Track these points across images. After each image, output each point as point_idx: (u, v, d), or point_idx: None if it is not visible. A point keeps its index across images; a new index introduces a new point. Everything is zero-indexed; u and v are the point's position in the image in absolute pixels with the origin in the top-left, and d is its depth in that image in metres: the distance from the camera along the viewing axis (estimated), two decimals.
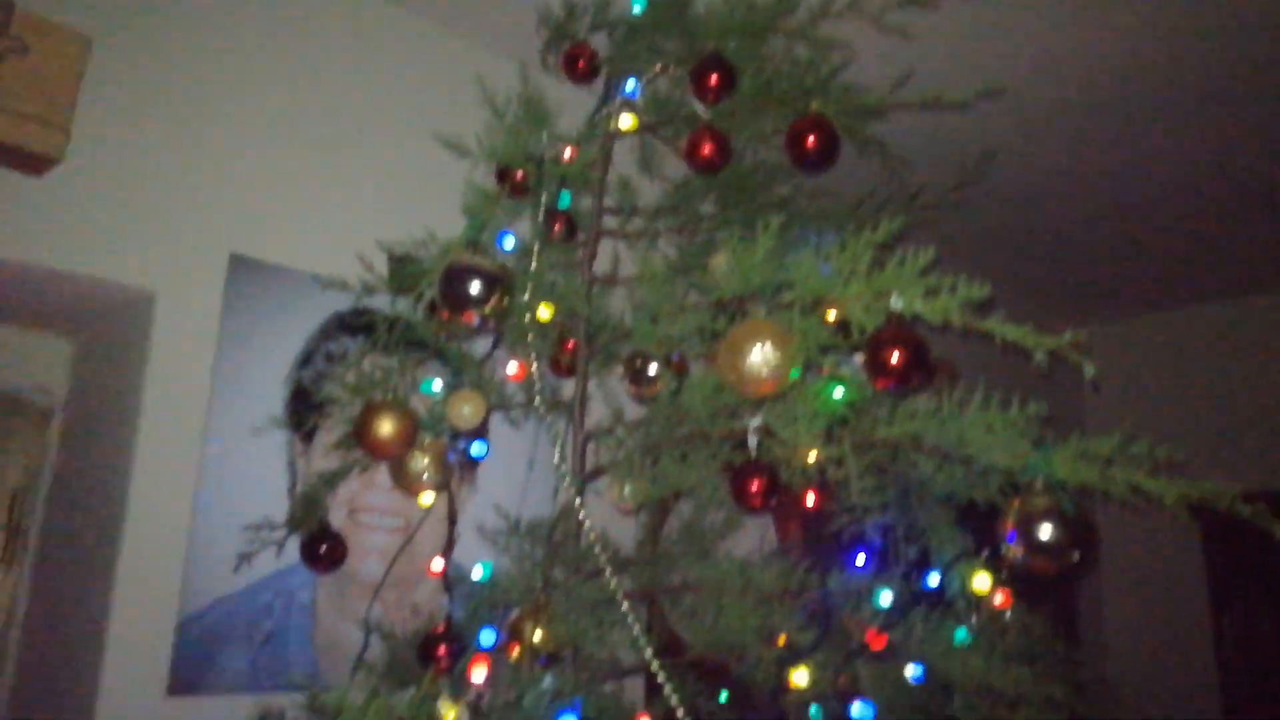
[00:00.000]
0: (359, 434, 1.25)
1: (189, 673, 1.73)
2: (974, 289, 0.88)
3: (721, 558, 1.25)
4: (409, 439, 1.25)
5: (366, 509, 1.95)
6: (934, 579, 1.23)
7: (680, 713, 1.07)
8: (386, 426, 1.23)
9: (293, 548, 1.83)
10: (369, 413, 1.23)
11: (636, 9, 1.49)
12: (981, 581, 1.22)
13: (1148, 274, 3.70)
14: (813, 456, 1.05)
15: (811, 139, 1.18)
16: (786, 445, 1.09)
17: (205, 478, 1.81)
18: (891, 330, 0.93)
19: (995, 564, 1.23)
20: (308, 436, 1.94)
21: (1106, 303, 3.99)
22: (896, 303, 0.93)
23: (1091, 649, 3.78)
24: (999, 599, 1.23)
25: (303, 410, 1.94)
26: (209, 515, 1.79)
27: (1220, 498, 0.87)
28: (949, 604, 1.22)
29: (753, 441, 1.11)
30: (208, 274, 1.89)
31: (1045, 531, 0.91)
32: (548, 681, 1.08)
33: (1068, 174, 2.99)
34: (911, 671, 1.19)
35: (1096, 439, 0.92)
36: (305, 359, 1.97)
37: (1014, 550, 0.93)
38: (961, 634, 1.21)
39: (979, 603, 1.22)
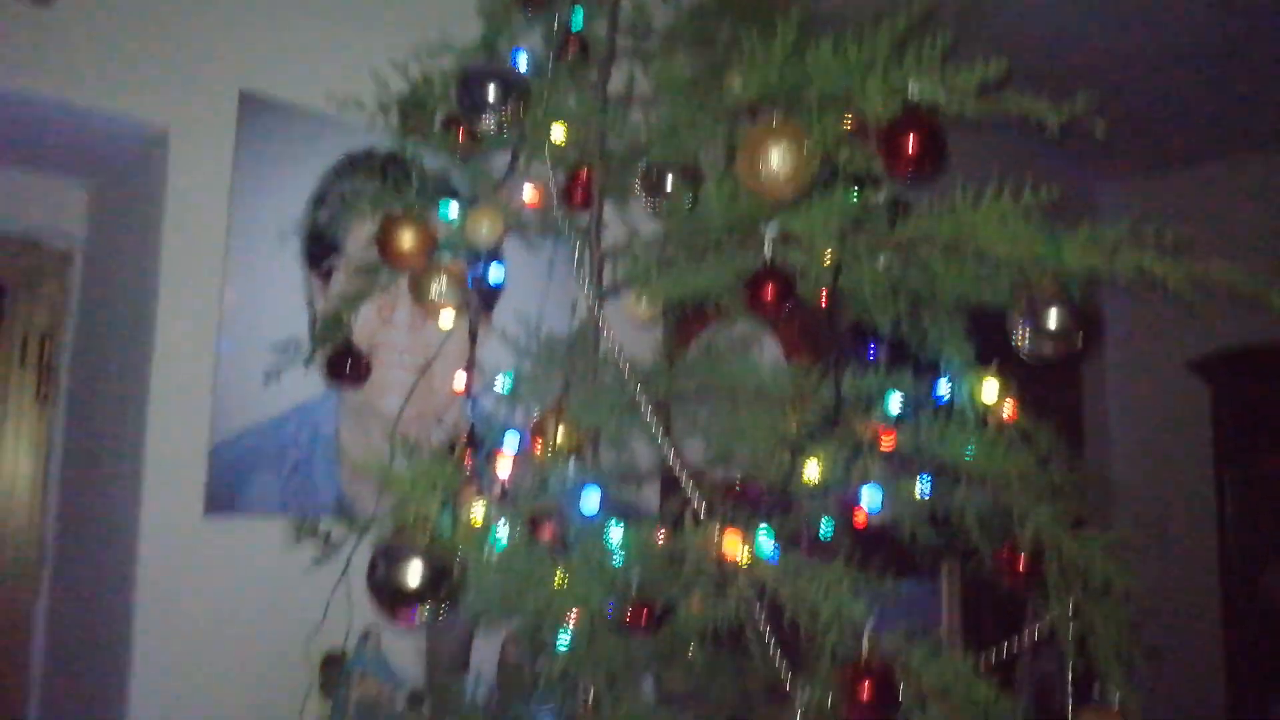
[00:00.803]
0: (379, 246, 1.27)
1: (223, 495, 1.81)
2: (990, 67, 0.88)
3: (735, 367, 1.28)
4: (427, 250, 1.27)
5: (387, 347, 2.00)
6: (944, 387, 1.27)
7: (696, 505, 1.12)
8: (406, 237, 1.25)
9: (316, 382, 1.90)
10: (389, 224, 1.25)
11: None
12: (989, 390, 1.25)
13: (1181, 126, 3.61)
14: (828, 258, 1.07)
15: None
16: (802, 250, 1.11)
17: (227, 317, 1.85)
18: (908, 118, 0.94)
19: (1004, 373, 1.26)
20: (326, 276, 1.97)
21: (1139, 155, 3.90)
22: (913, 90, 0.93)
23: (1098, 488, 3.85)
24: (1007, 410, 1.27)
25: (319, 250, 1.96)
26: (233, 351, 1.84)
27: (1231, 278, 0.89)
28: (958, 413, 1.26)
29: (768, 247, 1.13)
30: (219, 111, 1.88)
31: (1052, 317, 0.93)
32: (571, 467, 1.14)
33: (1103, 14, 2.88)
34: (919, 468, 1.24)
35: (1105, 227, 0.93)
36: (319, 199, 1.98)
37: (1021, 336, 0.96)
38: (970, 449, 1.24)
39: (987, 412, 1.26)
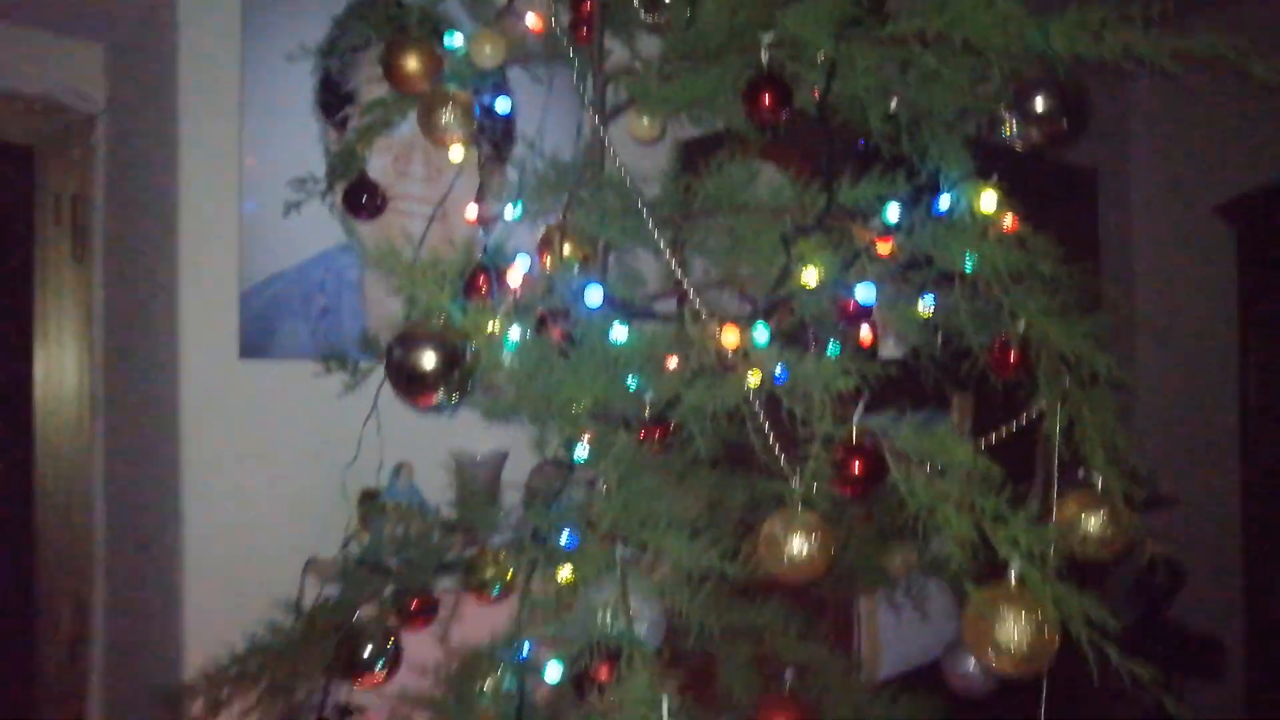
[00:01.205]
0: (385, 71, 1.30)
1: (256, 339, 1.89)
2: None
3: (737, 182, 1.31)
4: (432, 72, 1.30)
5: (405, 198, 2.04)
6: (943, 202, 1.28)
7: (705, 315, 1.17)
8: (411, 59, 1.28)
9: (338, 231, 1.96)
10: (393, 48, 1.28)
11: None
12: (989, 200, 1.27)
13: None
14: (822, 56, 1.08)
15: None
16: (799, 56, 1.12)
17: (247, 170, 1.89)
18: None
19: (1001, 185, 1.27)
20: (341, 125, 2.00)
21: None
22: None
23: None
24: (1007, 220, 1.28)
25: (333, 100, 1.99)
26: (255, 202, 1.90)
27: (1218, 49, 0.89)
28: (957, 220, 1.28)
29: (765, 56, 1.15)
30: None
31: (1038, 101, 0.95)
32: (576, 269, 1.19)
33: None
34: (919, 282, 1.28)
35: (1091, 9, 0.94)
36: (329, 49, 1.99)
37: (1010, 124, 0.98)
38: (968, 255, 1.27)
39: (986, 222, 1.28)
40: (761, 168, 1.38)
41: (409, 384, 1.02)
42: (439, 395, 1.02)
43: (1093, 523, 1.10)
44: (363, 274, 2.02)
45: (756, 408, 1.20)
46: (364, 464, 1.77)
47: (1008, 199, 1.27)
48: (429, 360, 1.00)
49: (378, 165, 1.78)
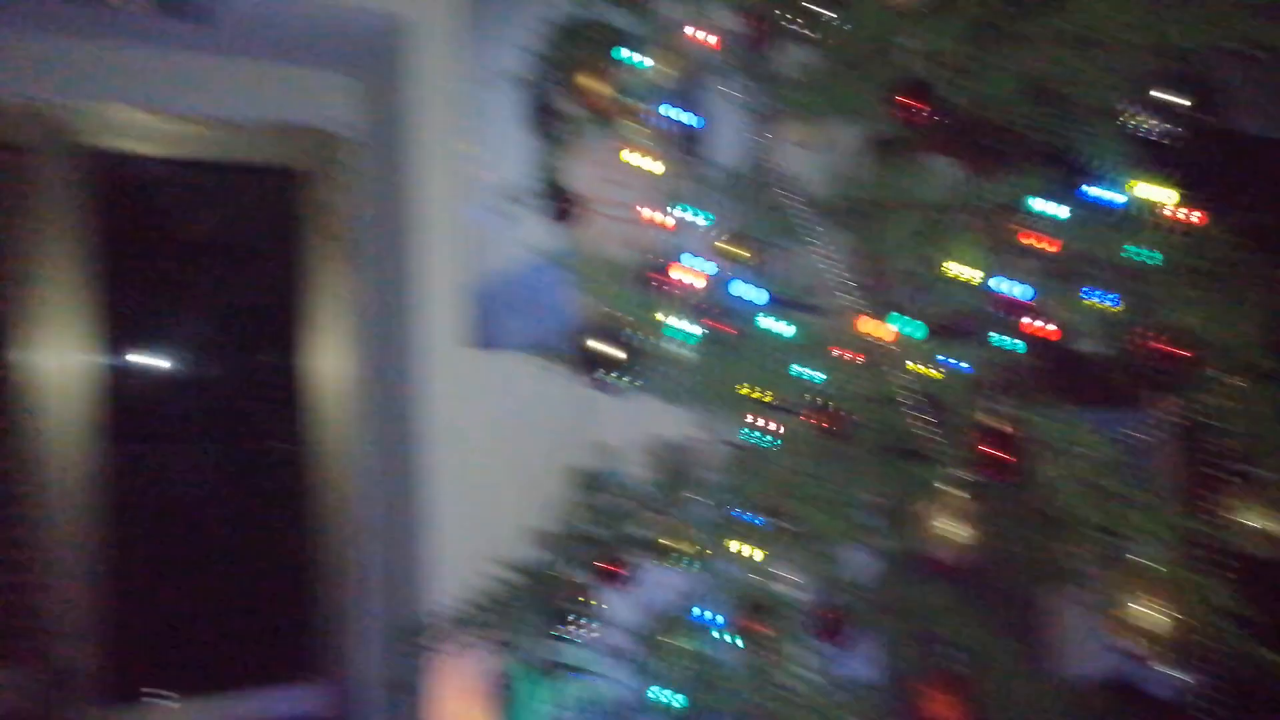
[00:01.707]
0: (575, 94, 1.48)
1: (484, 332, 2.17)
2: None
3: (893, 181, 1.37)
4: (618, 92, 1.47)
5: (606, 203, 2.24)
6: (1103, 192, 1.28)
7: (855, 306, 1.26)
8: (596, 83, 1.45)
9: (555, 235, 2.19)
10: (580, 72, 1.46)
11: None
12: (1153, 190, 1.25)
13: None
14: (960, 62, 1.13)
15: None
16: (941, 58, 1.18)
17: (474, 180, 2.16)
18: None
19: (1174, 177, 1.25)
20: (549, 139, 2.22)
21: None
22: None
23: None
24: (1190, 215, 1.26)
25: (542, 117, 2.22)
26: (482, 207, 2.16)
27: None
28: (1118, 215, 1.27)
29: (905, 58, 1.21)
30: None
31: (1172, 93, 0.96)
32: (744, 274, 1.31)
33: None
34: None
35: None
36: (537, 68, 2.22)
37: (1131, 114, 0.99)
38: (1134, 250, 1.26)
39: (1152, 214, 1.26)
40: (920, 165, 1.43)
41: (590, 368, 1.19)
42: (615, 379, 1.19)
43: (1254, 517, 1.09)
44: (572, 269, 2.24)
45: (913, 397, 1.27)
46: (578, 446, 2.00)
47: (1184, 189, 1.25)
48: (606, 347, 1.17)
49: (581, 173, 1.98)
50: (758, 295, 1.27)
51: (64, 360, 2.23)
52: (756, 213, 1.43)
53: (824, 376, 1.31)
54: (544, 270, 2.19)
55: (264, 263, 2.65)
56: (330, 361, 2.57)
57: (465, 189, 2.16)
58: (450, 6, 2.15)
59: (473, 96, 2.16)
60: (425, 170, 2.15)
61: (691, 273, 1.35)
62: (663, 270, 1.37)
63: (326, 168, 2.55)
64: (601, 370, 1.16)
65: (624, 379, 1.17)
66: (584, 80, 1.48)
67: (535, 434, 2.16)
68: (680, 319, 1.27)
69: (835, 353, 1.26)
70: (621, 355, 1.15)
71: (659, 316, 1.34)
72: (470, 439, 2.16)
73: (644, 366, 1.17)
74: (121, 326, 2.35)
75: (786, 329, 1.25)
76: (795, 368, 1.31)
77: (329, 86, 2.51)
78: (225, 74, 2.38)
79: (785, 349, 1.26)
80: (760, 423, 1.42)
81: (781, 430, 1.41)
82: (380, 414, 2.49)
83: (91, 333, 2.27)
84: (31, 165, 2.22)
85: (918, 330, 1.14)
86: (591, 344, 1.16)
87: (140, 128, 2.35)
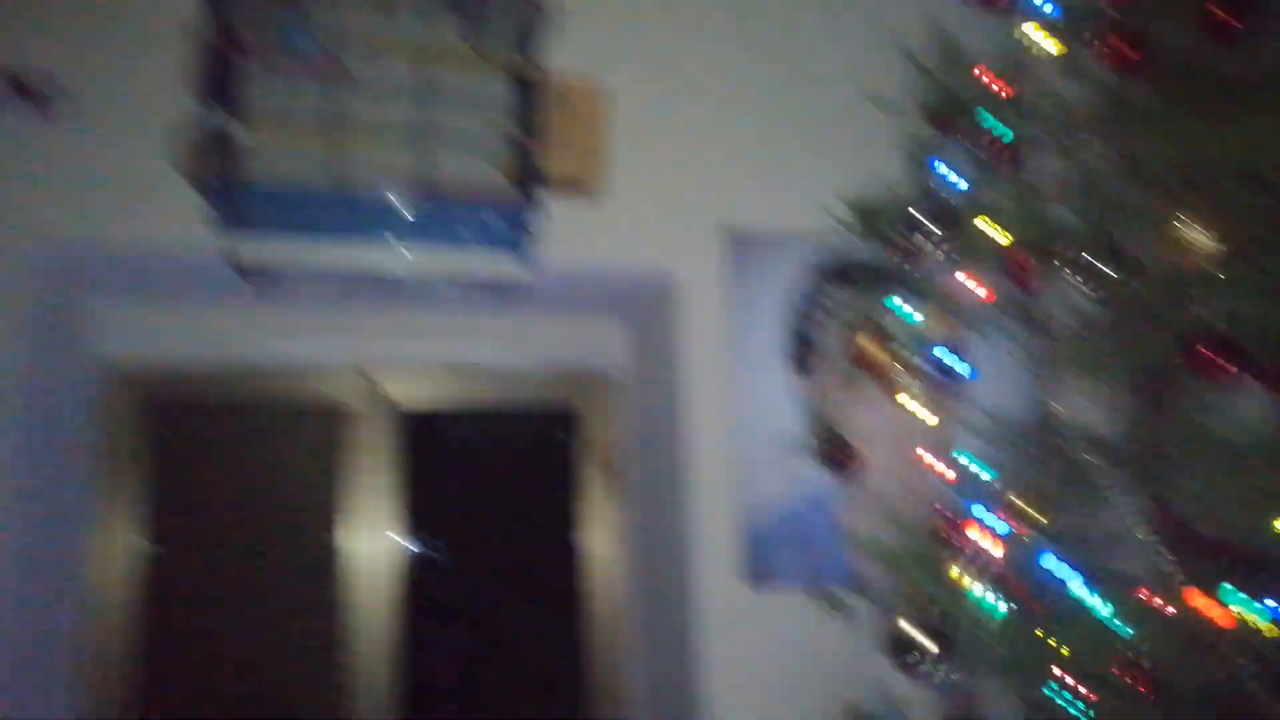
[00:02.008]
0: (850, 357, 1.54)
1: (756, 568, 2.18)
2: None
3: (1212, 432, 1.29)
4: (892, 359, 1.50)
5: (869, 430, 2.24)
6: None
7: (1171, 566, 1.17)
8: (871, 349, 1.50)
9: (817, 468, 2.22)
10: (856, 339, 1.51)
11: None
12: None
13: None
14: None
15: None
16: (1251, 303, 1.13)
17: (739, 415, 2.25)
18: None
19: None
20: (810, 374, 2.29)
21: None
22: None
23: None
24: None
25: (802, 353, 2.30)
26: (747, 445, 2.23)
27: None
28: None
29: (1206, 313, 1.17)
30: (710, 249, 2.33)
31: None
32: (1040, 537, 1.25)
33: None
34: None
35: None
36: (797, 308, 2.32)
37: None
38: None
39: None
40: (1220, 403, 1.35)
41: (901, 653, 1.17)
42: (930, 669, 1.15)
43: None
44: (841, 506, 2.23)
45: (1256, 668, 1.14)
46: (851, 683, 1.93)
47: None
48: (916, 637, 1.15)
49: (852, 420, 2.02)
50: (1068, 573, 1.21)
51: (374, 546, 2.51)
52: (1043, 466, 1.39)
53: (1145, 645, 1.21)
54: (818, 506, 2.21)
55: (542, 489, 2.83)
56: (602, 583, 2.66)
57: (735, 428, 2.25)
58: (717, 258, 2.32)
59: (741, 339, 2.29)
60: (696, 409, 2.27)
61: (988, 536, 1.32)
62: (955, 526, 1.35)
63: (598, 406, 2.74)
64: (914, 656, 1.14)
65: (939, 668, 1.13)
66: (857, 336, 1.54)
67: (812, 669, 2.12)
68: (982, 587, 1.23)
69: (1158, 625, 1.16)
70: (934, 646, 1.12)
71: (956, 578, 1.31)
72: (746, 672, 2.15)
73: (957, 654, 1.14)
74: (421, 524, 2.59)
75: (1103, 606, 1.17)
76: (1111, 635, 1.22)
77: (601, 331, 2.73)
78: (508, 327, 2.66)
79: (1102, 625, 1.18)
80: (1070, 685, 1.32)
81: (1094, 697, 1.30)
82: (654, 642, 2.53)
83: (397, 526, 2.54)
84: (352, 419, 2.55)
85: (1263, 614, 1.03)
86: (903, 628, 1.14)
87: (437, 382, 2.65)
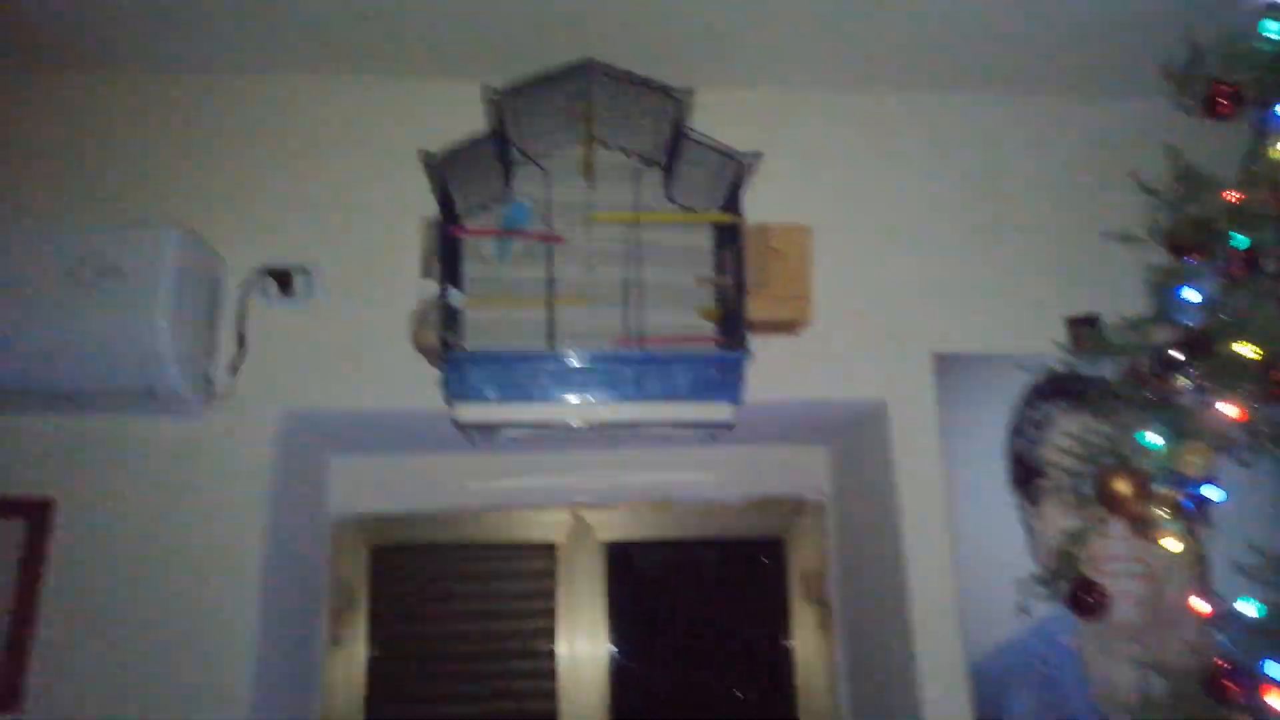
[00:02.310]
0: (1097, 494, 1.46)
1: (987, 712, 2.05)
2: None
3: None
4: (1143, 494, 1.41)
5: (1109, 558, 2.10)
6: None
7: None
8: (1121, 486, 1.41)
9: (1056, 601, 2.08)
10: (1103, 476, 1.44)
11: (1273, 34, 1.51)
12: None
13: None
14: None
15: None
16: None
17: (960, 544, 2.16)
18: None
19: None
20: (1033, 497, 2.18)
21: None
22: None
23: None
24: None
25: (1023, 474, 2.20)
26: (970, 575, 2.13)
27: None
28: None
29: None
30: (921, 376, 2.28)
31: None
32: None
33: None
34: None
35: None
36: (1015, 429, 2.23)
37: None
38: None
39: None
40: None
41: None
42: None
43: None
44: (1077, 640, 2.08)
45: None
46: None
47: None
48: None
49: (1090, 554, 1.89)
50: None
51: (587, 658, 2.56)
52: None
53: None
54: (1054, 645, 2.07)
55: (748, 616, 2.78)
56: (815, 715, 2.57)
57: (957, 557, 2.16)
58: (927, 382, 2.28)
59: (957, 464, 2.22)
60: (913, 538, 2.19)
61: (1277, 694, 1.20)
62: (1245, 683, 1.23)
63: (803, 534, 2.70)
64: None
65: None
66: (1101, 468, 1.46)
67: None
68: None
69: None
70: None
71: None
72: None
73: None
74: (628, 646, 2.61)
75: None
76: None
77: (806, 459, 2.72)
78: (712, 459, 2.69)
79: None
80: None
81: None
82: None
83: (606, 636, 2.57)
84: (564, 551, 2.63)
85: None
86: None
87: (643, 515, 2.69)
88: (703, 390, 1.90)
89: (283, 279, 2.24)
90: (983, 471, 2.21)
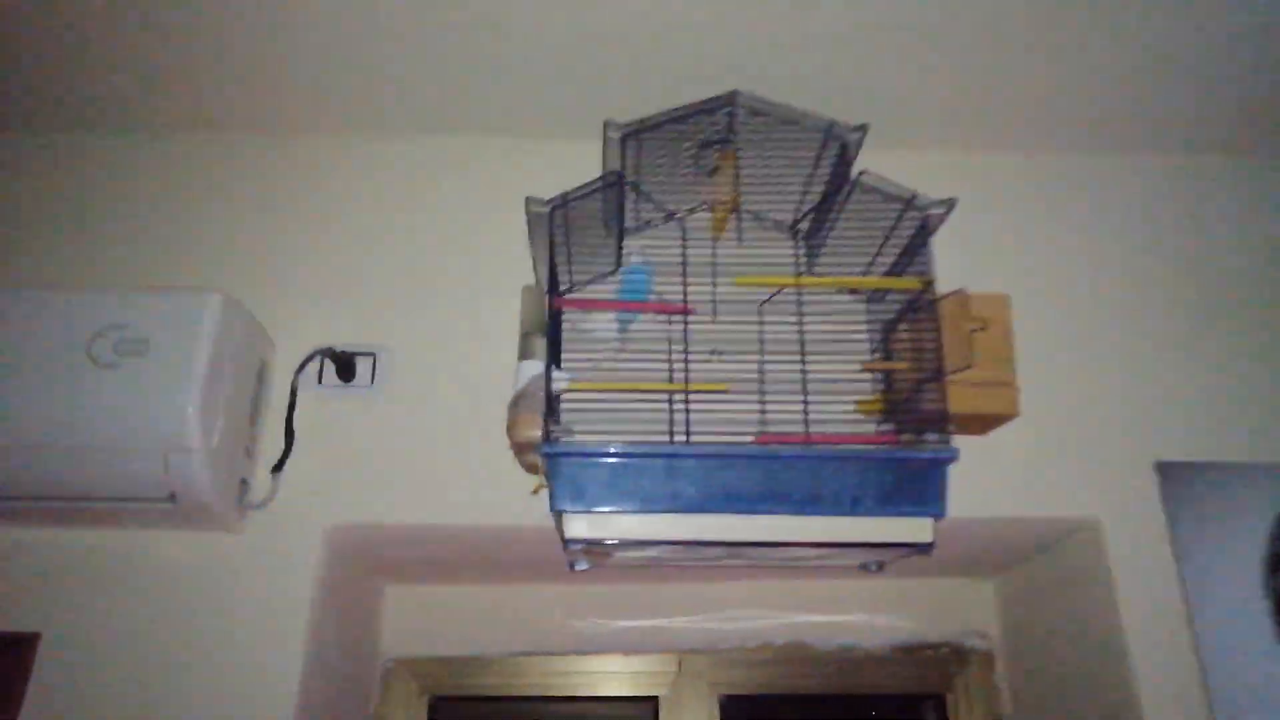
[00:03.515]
0: None
1: None
2: None
3: None
4: None
5: None
6: None
7: None
8: None
9: None
10: None
11: None
12: None
13: None
14: None
15: None
16: None
17: (1207, 693, 1.63)
18: None
19: None
20: None
21: None
22: None
23: None
24: None
25: None
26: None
27: None
28: None
29: None
30: (1144, 487, 1.79)
31: None
32: None
33: None
34: None
35: None
36: (1273, 563, 1.72)
37: None
38: None
39: None
40: None
41: None
42: None
43: None
44: None
45: None
46: None
47: None
48: None
49: None
50: None
51: None
52: None
53: None
54: None
55: None
56: None
57: (1197, 690, 1.62)
58: (1151, 497, 1.79)
59: (1195, 594, 1.70)
60: (1149, 688, 1.65)
61: None
62: None
63: (966, 689, 2.15)
64: None
65: None
66: None
67: None
68: None
69: None
70: None
71: None
72: None
73: None
74: None
75: None
76: None
77: (963, 596, 2.20)
78: (852, 597, 2.18)
79: None
80: None
81: None
82: None
83: None
84: (671, 711, 2.11)
85: None
86: None
87: (765, 669, 2.17)
88: (892, 500, 1.43)
89: (343, 364, 1.84)
90: (1233, 603, 1.69)
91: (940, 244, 1.61)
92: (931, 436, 1.46)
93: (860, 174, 1.57)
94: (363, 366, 1.86)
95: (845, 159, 1.62)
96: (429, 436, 1.80)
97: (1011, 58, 1.81)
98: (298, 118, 2.01)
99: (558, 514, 1.47)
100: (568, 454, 1.45)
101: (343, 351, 1.84)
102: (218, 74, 1.88)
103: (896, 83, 1.87)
